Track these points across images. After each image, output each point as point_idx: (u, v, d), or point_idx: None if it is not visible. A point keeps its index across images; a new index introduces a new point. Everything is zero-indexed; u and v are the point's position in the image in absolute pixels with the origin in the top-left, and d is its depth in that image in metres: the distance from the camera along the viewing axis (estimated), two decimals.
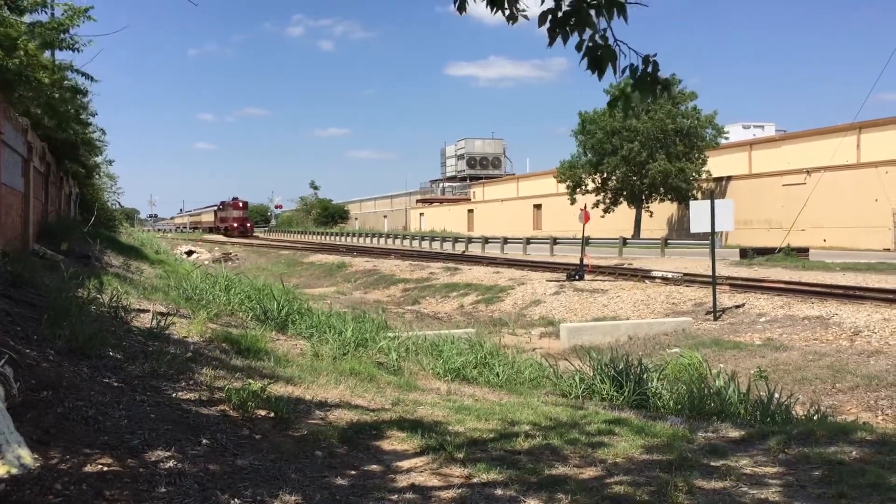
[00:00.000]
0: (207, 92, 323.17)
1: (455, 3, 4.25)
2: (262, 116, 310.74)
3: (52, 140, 17.53)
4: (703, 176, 47.06)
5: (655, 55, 3.95)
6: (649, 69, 3.95)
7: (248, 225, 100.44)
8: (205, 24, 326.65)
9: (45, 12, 13.84)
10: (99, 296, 9.21)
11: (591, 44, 3.88)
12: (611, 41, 3.89)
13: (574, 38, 3.91)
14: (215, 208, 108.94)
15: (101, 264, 15.90)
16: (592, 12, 3.86)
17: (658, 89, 4.00)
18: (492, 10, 4.13)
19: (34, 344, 6.05)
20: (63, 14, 13.92)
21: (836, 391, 12.20)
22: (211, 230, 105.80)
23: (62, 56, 15.61)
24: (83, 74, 16.05)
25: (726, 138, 49.82)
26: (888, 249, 36.36)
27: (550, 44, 3.90)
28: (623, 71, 3.97)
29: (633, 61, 3.98)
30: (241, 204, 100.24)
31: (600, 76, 3.91)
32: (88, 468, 3.95)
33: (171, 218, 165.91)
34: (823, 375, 12.85)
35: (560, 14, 3.88)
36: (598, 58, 3.89)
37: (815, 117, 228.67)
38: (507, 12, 4.17)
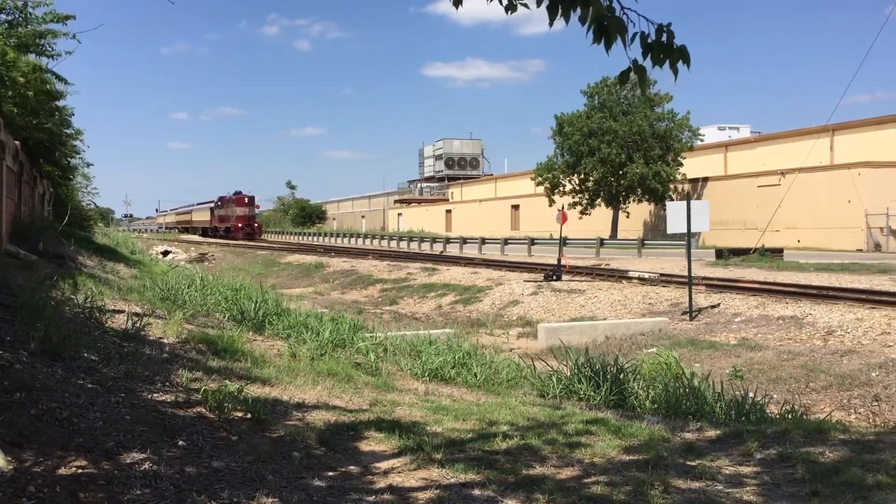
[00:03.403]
0: (181, 91, 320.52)
1: None
2: (237, 116, 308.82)
3: (26, 139, 17.32)
4: (680, 178, 47.44)
5: (670, 24, 3.69)
6: (663, 38, 3.68)
7: (256, 225, 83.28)
8: (178, 22, 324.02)
9: (19, 15, 13.74)
10: (73, 296, 9.11)
11: (596, 14, 3.64)
12: (617, 11, 3.67)
13: (576, 14, 3.65)
14: (211, 205, 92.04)
15: (75, 264, 15.73)
16: None
17: (674, 58, 3.71)
18: None
19: (7, 345, 5.97)
20: (43, 14, 13.84)
21: (809, 390, 12.34)
22: (205, 231, 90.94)
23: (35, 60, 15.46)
24: (58, 77, 15.92)
25: (701, 140, 50.23)
26: (861, 250, 36.81)
27: (551, 24, 3.68)
28: (632, 40, 3.70)
29: (645, 29, 3.71)
30: (246, 199, 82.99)
31: (608, 48, 3.65)
32: (63, 470, 3.90)
33: (149, 217, 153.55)
34: (797, 375, 12.99)
35: None
36: (605, 28, 3.63)
37: (790, 119, 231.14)
38: (506, 2, 3.96)
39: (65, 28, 14.26)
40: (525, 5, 3.94)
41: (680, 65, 3.77)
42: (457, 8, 4.08)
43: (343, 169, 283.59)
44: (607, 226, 49.61)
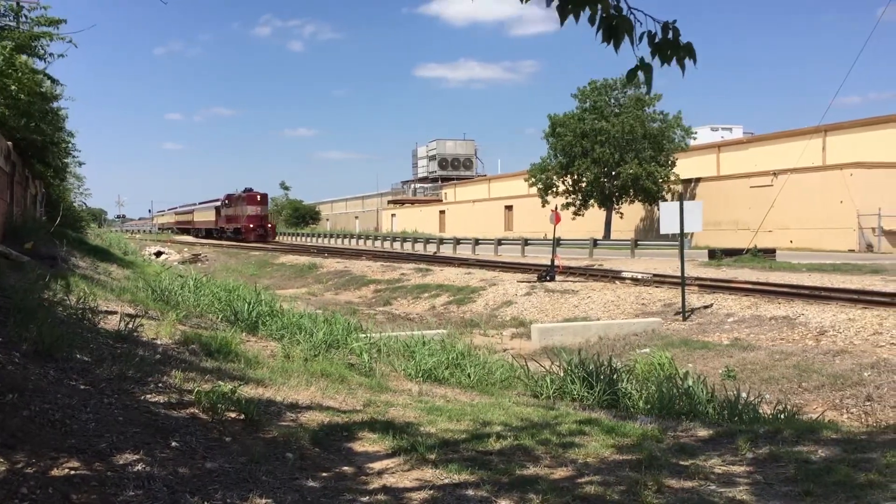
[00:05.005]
0: (175, 91, 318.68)
1: None
2: (230, 116, 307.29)
3: (18, 140, 17.28)
4: (672, 178, 47.52)
5: (675, 21, 3.78)
6: (669, 35, 3.76)
7: (270, 226, 74.84)
8: (171, 22, 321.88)
9: (13, 16, 13.79)
10: (66, 297, 9.08)
11: (604, 14, 3.72)
12: (625, 11, 3.74)
13: (586, 14, 3.73)
14: (217, 204, 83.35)
15: (68, 265, 15.67)
16: None
17: (681, 55, 3.79)
18: None
19: None
20: (37, 17, 13.91)
21: (802, 390, 12.38)
22: (210, 233, 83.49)
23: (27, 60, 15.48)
24: (51, 79, 15.97)
25: (694, 139, 50.31)
26: (853, 250, 36.92)
27: (562, 22, 3.75)
28: (640, 39, 3.78)
29: (651, 28, 3.79)
30: (258, 197, 74.28)
31: (616, 47, 3.74)
32: (55, 472, 3.89)
33: (142, 218, 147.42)
34: (790, 375, 13.04)
35: None
36: (614, 28, 3.71)
37: (782, 120, 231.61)
38: None
39: (58, 31, 14.32)
40: None
41: (687, 61, 3.83)
42: None
43: (336, 170, 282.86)
44: (601, 226, 49.65)
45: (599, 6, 3.73)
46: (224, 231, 78.57)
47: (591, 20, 3.75)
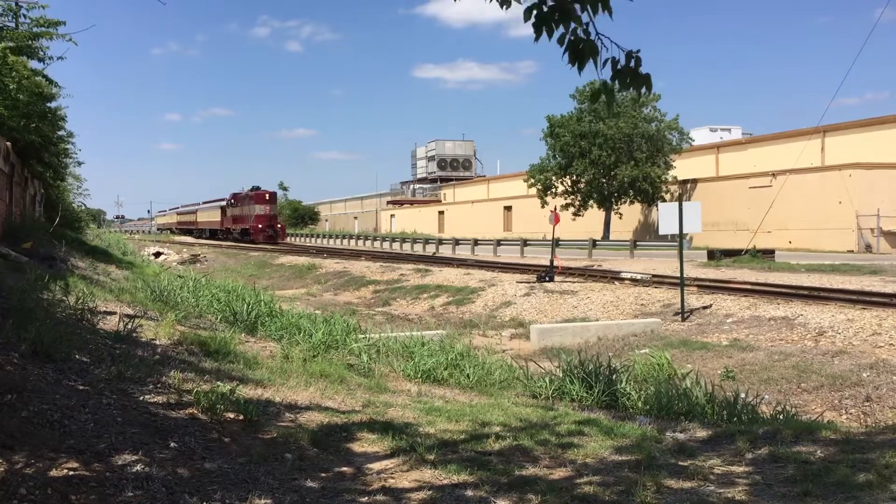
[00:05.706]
0: (173, 92, 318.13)
1: None
2: (228, 117, 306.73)
3: (17, 140, 17.28)
4: (670, 179, 47.55)
5: (638, 51, 3.92)
6: (631, 64, 3.92)
7: (280, 227, 70.87)
8: (169, 23, 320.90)
9: (12, 16, 13.82)
10: (65, 298, 9.08)
11: (572, 37, 3.85)
12: (593, 35, 3.87)
13: (558, 32, 3.87)
14: (223, 203, 79.33)
15: (67, 266, 15.66)
16: (577, 6, 3.83)
17: (639, 84, 3.94)
18: None
19: None
20: (37, 18, 13.94)
21: (801, 391, 12.38)
22: (214, 234, 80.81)
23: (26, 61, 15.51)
24: (49, 80, 15.99)
25: (691, 142, 50.35)
26: (852, 251, 36.92)
27: (537, 38, 3.87)
28: (604, 64, 3.92)
29: (616, 55, 3.94)
30: (266, 196, 70.26)
31: (580, 69, 3.88)
32: (54, 472, 3.89)
33: (141, 219, 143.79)
34: (789, 375, 13.04)
35: (545, 8, 3.83)
36: (580, 51, 3.85)
37: (781, 121, 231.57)
38: None
39: (57, 31, 14.34)
40: (519, 1, 4.06)
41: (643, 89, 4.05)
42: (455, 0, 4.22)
43: (335, 170, 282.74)
44: (600, 227, 49.67)
45: (572, 24, 3.86)
46: (231, 232, 74.84)
47: (561, 40, 3.89)
